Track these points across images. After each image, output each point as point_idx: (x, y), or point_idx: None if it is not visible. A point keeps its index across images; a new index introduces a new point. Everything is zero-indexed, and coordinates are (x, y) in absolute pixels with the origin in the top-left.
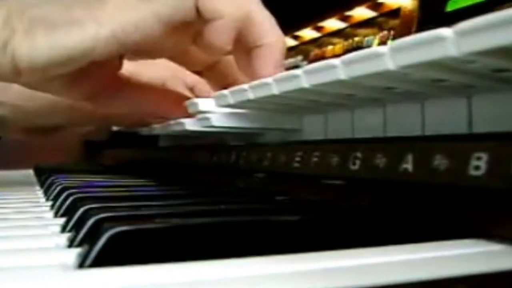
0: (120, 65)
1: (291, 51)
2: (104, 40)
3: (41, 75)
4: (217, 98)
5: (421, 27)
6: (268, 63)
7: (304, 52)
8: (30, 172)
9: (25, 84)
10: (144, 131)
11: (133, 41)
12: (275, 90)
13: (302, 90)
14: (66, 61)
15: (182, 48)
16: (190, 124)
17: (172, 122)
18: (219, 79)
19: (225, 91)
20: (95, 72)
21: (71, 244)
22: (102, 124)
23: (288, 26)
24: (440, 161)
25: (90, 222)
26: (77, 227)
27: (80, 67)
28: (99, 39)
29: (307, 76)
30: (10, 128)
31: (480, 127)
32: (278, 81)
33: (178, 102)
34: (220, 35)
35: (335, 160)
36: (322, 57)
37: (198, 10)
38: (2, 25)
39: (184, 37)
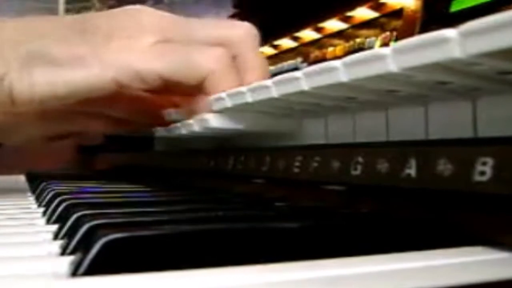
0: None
1: (290, 53)
2: (108, 81)
3: (38, 107)
4: (214, 101)
5: (425, 28)
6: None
7: (304, 54)
8: (22, 178)
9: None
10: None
11: (132, 87)
12: (275, 93)
13: (302, 93)
14: (69, 97)
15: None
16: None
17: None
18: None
19: (222, 94)
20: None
21: (63, 251)
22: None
23: (287, 27)
24: (444, 166)
25: (83, 229)
26: (70, 234)
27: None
28: (103, 79)
29: (307, 79)
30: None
31: (485, 131)
32: (277, 83)
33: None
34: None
35: (335, 165)
36: (322, 59)
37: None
38: None
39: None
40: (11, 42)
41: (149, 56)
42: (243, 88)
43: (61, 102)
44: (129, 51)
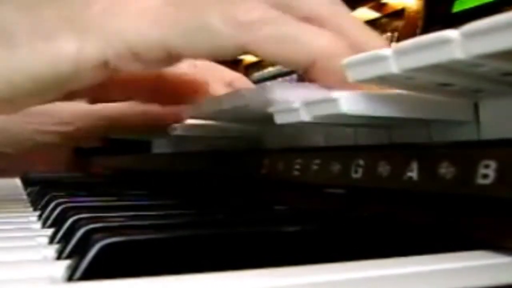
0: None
1: None
2: (91, 65)
3: (5, 110)
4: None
5: (427, 29)
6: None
7: None
8: (17, 181)
9: None
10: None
11: (125, 68)
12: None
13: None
14: (35, 93)
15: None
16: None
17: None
18: None
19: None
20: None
21: (59, 256)
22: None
23: None
24: (446, 169)
25: (79, 233)
26: (66, 238)
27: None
28: (82, 62)
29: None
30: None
31: (488, 134)
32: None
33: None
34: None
35: (336, 167)
36: None
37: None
38: None
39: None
40: None
41: (150, 20)
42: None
43: (33, 101)
44: (120, 13)
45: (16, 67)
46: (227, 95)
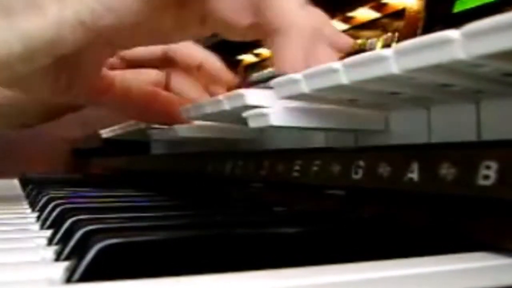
0: (106, 55)
1: None
2: (69, 26)
3: (5, 73)
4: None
5: (427, 29)
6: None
7: None
8: (15, 181)
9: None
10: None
11: (106, 27)
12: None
13: (301, 95)
14: (28, 54)
15: (165, 35)
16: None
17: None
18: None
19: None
20: (75, 65)
21: (58, 257)
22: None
23: None
24: (447, 170)
25: (78, 234)
26: (64, 240)
27: (51, 61)
28: (62, 25)
29: (306, 81)
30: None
31: (489, 134)
32: (276, 86)
33: (170, 107)
34: (235, 8)
35: (336, 169)
36: None
37: None
38: None
39: (168, 20)
40: None
41: None
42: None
43: (27, 65)
44: None
45: (13, 34)
46: (227, 96)
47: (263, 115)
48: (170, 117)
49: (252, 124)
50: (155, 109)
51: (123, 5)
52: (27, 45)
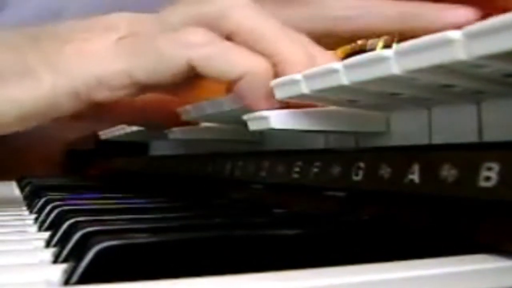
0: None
1: None
2: (64, 95)
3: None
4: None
5: None
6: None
7: None
8: (13, 183)
9: None
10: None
11: (101, 99)
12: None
13: (301, 96)
14: (18, 119)
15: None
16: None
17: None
18: None
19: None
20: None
21: (56, 259)
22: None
23: None
24: (448, 172)
25: (76, 236)
26: (62, 242)
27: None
28: (57, 93)
29: (306, 81)
30: None
31: (490, 135)
32: (277, 86)
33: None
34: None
35: (336, 170)
36: None
37: (194, 69)
38: None
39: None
40: None
41: (111, 56)
42: None
43: (20, 126)
44: (87, 54)
45: (3, 100)
46: (227, 97)
47: (263, 117)
48: (168, 119)
49: (252, 127)
50: (154, 113)
51: (118, 82)
52: (18, 112)
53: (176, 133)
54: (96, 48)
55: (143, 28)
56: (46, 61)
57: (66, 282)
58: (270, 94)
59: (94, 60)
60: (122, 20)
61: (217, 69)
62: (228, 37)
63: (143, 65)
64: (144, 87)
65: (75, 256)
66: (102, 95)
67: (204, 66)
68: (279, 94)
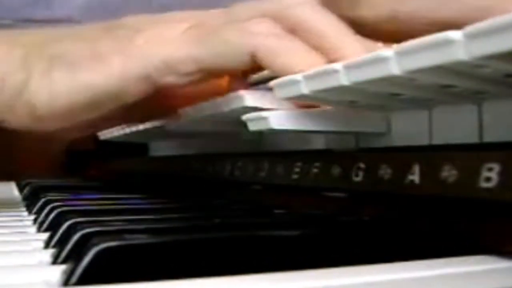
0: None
1: None
2: (134, 80)
3: (62, 122)
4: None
5: None
6: None
7: None
8: (12, 184)
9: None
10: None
11: (166, 83)
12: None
13: (301, 96)
14: (90, 105)
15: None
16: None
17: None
18: None
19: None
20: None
21: (55, 260)
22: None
23: None
24: (448, 172)
25: (75, 237)
26: (61, 243)
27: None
28: (127, 78)
29: (307, 82)
30: None
31: (491, 136)
32: (277, 86)
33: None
34: None
35: (336, 171)
36: None
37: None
38: (18, 67)
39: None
40: (38, 47)
41: (180, 42)
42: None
43: (87, 114)
44: (157, 41)
45: (76, 86)
46: (225, 98)
47: (263, 118)
48: (166, 110)
49: (252, 127)
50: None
51: (184, 67)
52: (90, 97)
53: (172, 125)
54: (165, 36)
55: (210, 21)
56: (117, 47)
57: (65, 283)
58: None
59: (162, 46)
60: (190, 15)
61: (278, 64)
62: (291, 32)
63: (209, 52)
64: (208, 74)
65: (74, 257)
66: (169, 79)
67: (266, 58)
68: (279, 94)
